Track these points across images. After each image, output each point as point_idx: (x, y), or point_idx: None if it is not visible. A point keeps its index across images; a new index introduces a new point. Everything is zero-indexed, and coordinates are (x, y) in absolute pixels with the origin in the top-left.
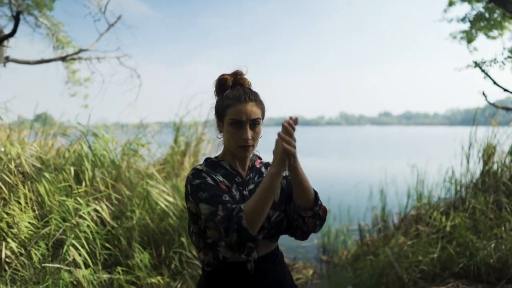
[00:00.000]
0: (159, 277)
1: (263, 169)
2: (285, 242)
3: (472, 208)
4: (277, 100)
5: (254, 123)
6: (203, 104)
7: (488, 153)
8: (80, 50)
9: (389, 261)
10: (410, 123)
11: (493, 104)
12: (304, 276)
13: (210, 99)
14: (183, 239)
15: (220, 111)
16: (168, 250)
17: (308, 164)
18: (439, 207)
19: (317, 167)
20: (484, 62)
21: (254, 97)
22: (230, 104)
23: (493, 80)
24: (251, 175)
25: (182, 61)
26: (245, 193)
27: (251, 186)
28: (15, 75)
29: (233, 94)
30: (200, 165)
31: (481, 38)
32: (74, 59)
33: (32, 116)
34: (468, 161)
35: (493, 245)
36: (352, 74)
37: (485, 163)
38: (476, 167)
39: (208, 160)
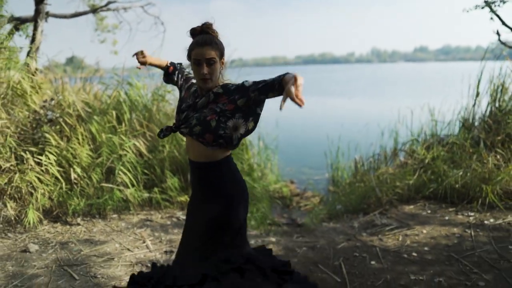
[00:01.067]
0: (186, 196)
1: (213, 91)
2: (298, 176)
3: (451, 143)
4: (306, 38)
5: (210, 62)
6: (230, 44)
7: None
8: (109, 2)
9: (372, 186)
10: (448, 58)
11: (504, 43)
12: (311, 203)
13: (235, 37)
14: None
15: (188, 52)
16: None
17: (331, 105)
18: (426, 142)
19: (339, 107)
20: (493, 2)
21: (210, 41)
22: (193, 47)
23: (501, 20)
24: (201, 94)
25: None
26: (196, 100)
27: (198, 100)
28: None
29: (195, 40)
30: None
31: None
32: (104, 10)
33: (64, 60)
34: (475, 100)
35: (460, 173)
36: (385, 7)
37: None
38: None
39: (193, 82)
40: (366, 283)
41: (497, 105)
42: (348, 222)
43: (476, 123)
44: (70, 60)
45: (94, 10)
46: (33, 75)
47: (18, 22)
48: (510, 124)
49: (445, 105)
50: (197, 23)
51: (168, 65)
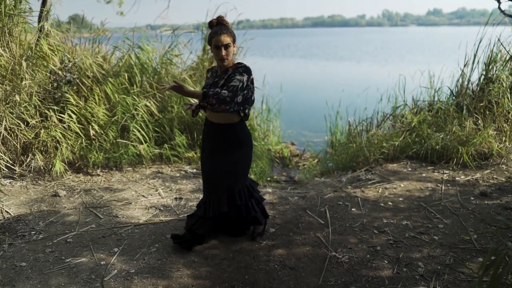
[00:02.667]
0: (192, 152)
1: (229, 71)
2: (299, 138)
3: (437, 109)
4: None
5: (226, 46)
6: (236, 9)
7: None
8: None
9: (362, 147)
10: (462, 22)
11: (503, 11)
12: (309, 163)
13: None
14: None
15: (209, 40)
16: (198, 134)
17: (337, 69)
18: (415, 107)
19: (345, 72)
20: None
21: (226, 31)
22: (213, 35)
23: None
24: (221, 74)
25: None
26: (216, 80)
27: (217, 79)
28: None
29: (214, 30)
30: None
31: None
32: None
33: (66, 18)
34: (464, 68)
35: (442, 136)
36: None
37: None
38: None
39: (210, 68)
40: (345, 225)
41: (489, 74)
42: (337, 177)
43: (465, 91)
44: (73, 19)
45: None
46: (47, 37)
47: None
48: (492, 91)
49: (446, 72)
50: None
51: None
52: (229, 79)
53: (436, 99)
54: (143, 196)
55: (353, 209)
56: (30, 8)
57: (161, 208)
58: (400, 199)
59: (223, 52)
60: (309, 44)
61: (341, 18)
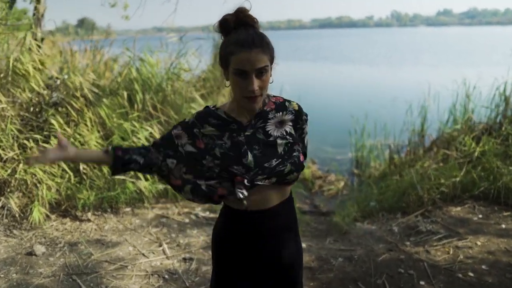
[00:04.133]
0: None
1: (271, 114)
2: (319, 154)
3: (506, 135)
4: (322, 0)
5: (261, 72)
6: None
7: None
8: None
9: (412, 182)
10: (474, 22)
11: None
12: (335, 187)
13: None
14: None
15: (224, 58)
16: None
17: (352, 74)
18: (473, 131)
19: (358, 76)
20: None
21: (260, 42)
22: (233, 51)
23: None
24: (253, 121)
25: None
26: (240, 138)
27: (249, 132)
28: None
29: (236, 38)
30: (192, 115)
31: None
32: None
33: (75, 21)
34: None
35: None
36: None
37: None
38: None
39: (199, 112)
40: None
41: None
42: (385, 223)
43: None
44: (82, 22)
45: None
46: (38, 46)
47: None
48: None
49: (477, 76)
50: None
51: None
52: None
53: (487, 114)
54: (143, 255)
55: (421, 282)
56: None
57: (166, 276)
58: (483, 266)
59: (255, 83)
60: (318, 46)
61: (348, 19)
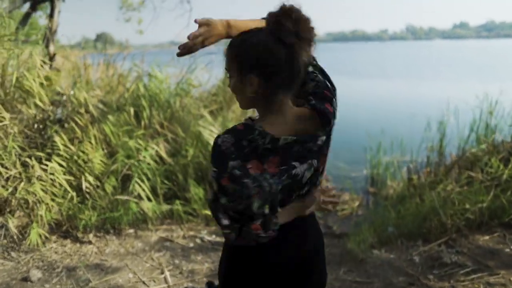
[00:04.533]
0: None
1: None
2: (333, 171)
3: None
4: (335, 14)
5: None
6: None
7: None
8: None
9: (434, 206)
10: (491, 35)
11: None
12: (350, 207)
13: (260, 11)
14: None
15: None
16: None
17: (363, 87)
18: (499, 152)
19: (374, 90)
20: None
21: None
22: (281, 74)
23: None
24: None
25: None
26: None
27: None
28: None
29: (289, 66)
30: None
31: None
32: None
33: (94, 36)
34: None
35: None
36: None
37: None
38: None
39: (245, 131)
40: None
41: None
42: (405, 252)
43: None
44: (100, 36)
45: None
46: (43, 61)
47: (34, 2)
48: None
49: (499, 90)
50: (225, 1)
51: None
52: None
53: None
54: (143, 283)
55: None
56: (17, 29)
57: None
58: None
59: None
60: (332, 59)
61: (362, 33)
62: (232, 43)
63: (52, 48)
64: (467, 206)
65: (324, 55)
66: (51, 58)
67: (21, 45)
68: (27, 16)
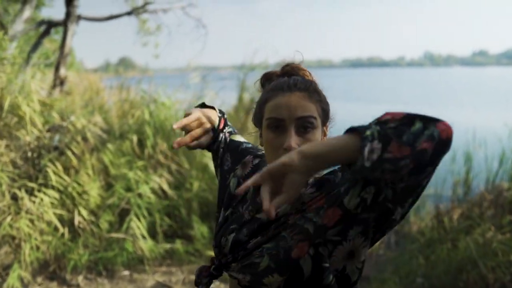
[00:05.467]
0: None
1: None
2: None
3: None
4: (352, 40)
5: (305, 126)
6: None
7: None
8: (146, 4)
9: (471, 256)
10: (511, 62)
11: None
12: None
13: (277, 39)
14: None
15: (258, 112)
16: None
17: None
18: None
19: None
20: None
21: (305, 86)
22: (269, 97)
23: None
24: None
25: None
26: (241, 210)
27: (261, 215)
28: (95, 29)
29: (275, 84)
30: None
31: None
32: (140, 13)
33: (116, 60)
34: None
35: None
36: (440, 6)
37: None
38: None
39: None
40: None
41: None
42: None
43: None
44: (122, 60)
45: (130, 12)
46: (61, 84)
47: (48, 26)
48: None
49: None
50: (242, 25)
51: (218, 117)
52: (299, 213)
53: None
54: None
55: None
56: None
57: None
58: None
59: (293, 139)
60: (349, 85)
61: (380, 59)
62: None
63: (63, 72)
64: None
65: (340, 81)
66: (62, 81)
67: (30, 68)
68: (40, 39)
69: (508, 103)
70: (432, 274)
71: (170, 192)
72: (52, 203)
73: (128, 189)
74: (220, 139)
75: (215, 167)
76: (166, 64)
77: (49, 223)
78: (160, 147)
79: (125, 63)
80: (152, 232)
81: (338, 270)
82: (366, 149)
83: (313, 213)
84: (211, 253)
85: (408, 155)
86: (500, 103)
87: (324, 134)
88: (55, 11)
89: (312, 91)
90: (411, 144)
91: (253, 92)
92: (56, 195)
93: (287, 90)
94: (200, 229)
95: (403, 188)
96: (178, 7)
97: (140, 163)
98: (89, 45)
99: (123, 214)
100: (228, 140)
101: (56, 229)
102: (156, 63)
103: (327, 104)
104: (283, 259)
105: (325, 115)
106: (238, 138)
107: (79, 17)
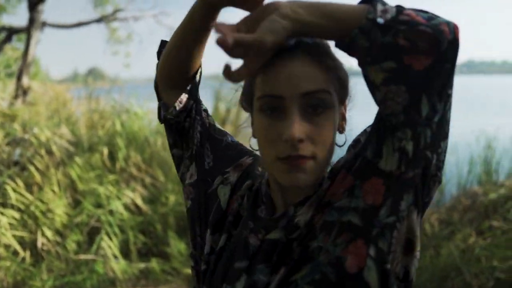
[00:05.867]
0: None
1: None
2: None
3: None
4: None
5: (313, 103)
6: None
7: None
8: (116, 11)
9: (454, 263)
10: (472, 71)
11: None
12: None
13: None
14: None
15: (248, 88)
16: None
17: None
18: None
19: (357, 124)
20: None
21: (313, 47)
22: (262, 65)
23: None
24: (293, 210)
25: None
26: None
27: (274, 235)
28: (64, 36)
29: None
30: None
31: None
32: (110, 20)
33: (85, 70)
34: None
35: None
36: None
37: None
38: None
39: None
40: None
41: None
42: None
43: None
44: (91, 71)
45: (99, 20)
46: (24, 94)
47: (9, 33)
48: None
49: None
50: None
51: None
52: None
53: None
54: None
55: None
56: None
57: None
58: None
59: (296, 125)
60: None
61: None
62: None
63: (26, 81)
64: (495, 263)
65: None
66: (25, 91)
67: None
68: (0, 46)
69: (475, 111)
70: (416, 283)
71: (144, 207)
72: (11, 224)
73: (98, 205)
74: (193, 112)
75: (179, 157)
76: (137, 74)
77: (7, 247)
78: (133, 159)
79: (94, 73)
80: (125, 251)
81: (398, 275)
82: (379, 7)
83: (345, 199)
84: (189, 271)
85: (426, 24)
86: (467, 111)
87: (342, 116)
88: (18, 18)
89: (323, 54)
90: (428, 19)
91: (229, 102)
92: (16, 215)
93: (287, 54)
94: (177, 246)
95: (438, 121)
96: (150, 15)
97: (111, 177)
98: (56, 55)
99: (92, 233)
100: (208, 123)
101: (15, 253)
102: (126, 73)
103: (345, 73)
104: (337, 282)
105: (343, 90)
106: (218, 125)
107: (44, 24)
